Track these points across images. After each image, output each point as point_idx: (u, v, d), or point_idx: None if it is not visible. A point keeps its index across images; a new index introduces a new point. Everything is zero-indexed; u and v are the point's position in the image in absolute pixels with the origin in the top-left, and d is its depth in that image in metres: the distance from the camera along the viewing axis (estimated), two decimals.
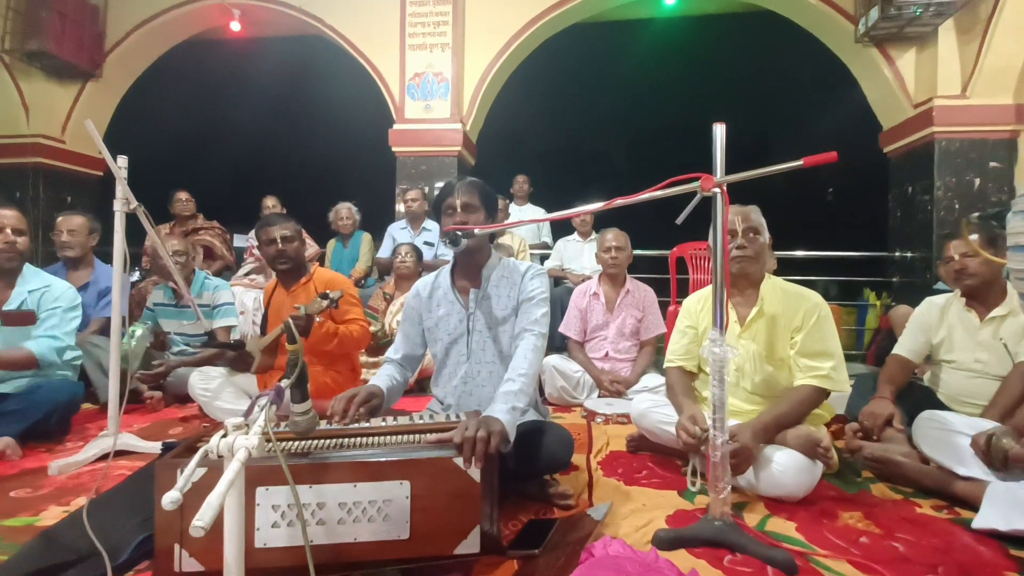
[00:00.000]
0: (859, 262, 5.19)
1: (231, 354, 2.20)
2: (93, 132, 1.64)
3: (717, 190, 1.32)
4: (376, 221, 4.61)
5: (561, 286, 3.99)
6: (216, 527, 0.83)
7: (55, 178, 5.18)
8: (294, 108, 7.85)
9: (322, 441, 1.23)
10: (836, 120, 6.88)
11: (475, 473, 1.11)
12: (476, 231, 1.50)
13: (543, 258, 4.59)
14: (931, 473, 1.64)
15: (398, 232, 4.19)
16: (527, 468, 1.45)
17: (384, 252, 4.16)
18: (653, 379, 2.71)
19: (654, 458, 1.92)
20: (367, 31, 4.95)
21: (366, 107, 5.38)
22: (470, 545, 1.10)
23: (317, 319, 2.18)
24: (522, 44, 4.88)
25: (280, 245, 2.32)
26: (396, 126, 4.88)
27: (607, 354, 2.87)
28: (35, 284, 2.09)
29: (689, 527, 1.34)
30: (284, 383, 1.02)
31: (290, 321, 1.09)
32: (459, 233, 1.49)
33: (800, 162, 1.24)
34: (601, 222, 3.56)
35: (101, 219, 2.83)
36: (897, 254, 4.62)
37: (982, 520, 1.37)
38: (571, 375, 2.74)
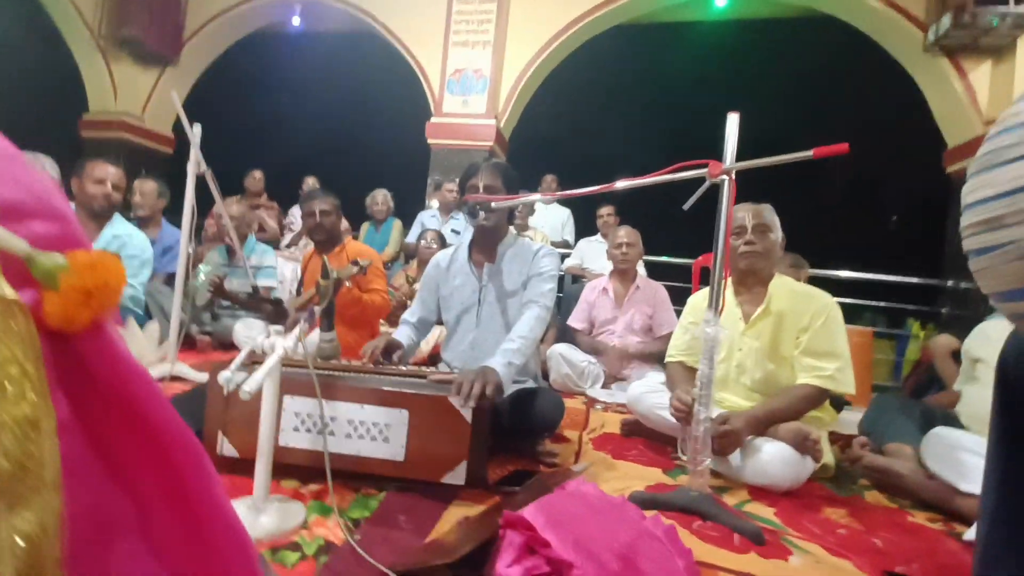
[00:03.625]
0: (907, 288, 4.80)
1: (270, 308, 2.44)
2: (175, 100, 1.89)
3: (725, 177, 1.37)
4: (408, 209, 4.84)
5: (579, 283, 4.09)
6: (251, 424, 1.02)
7: (134, 152, 5.71)
8: (341, 100, 8.28)
9: (342, 374, 1.40)
10: (897, 134, 6.47)
11: (467, 414, 1.25)
12: (493, 205, 1.65)
13: (564, 257, 4.71)
14: (931, 486, 1.59)
15: (428, 219, 4.41)
16: (520, 426, 1.58)
17: (412, 238, 4.39)
18: (659, 376, 2.78)
19: (646, 442, 1.97)
20: (414, 28, 5.20)
21: (407, 101, 5.63)
22: (456, 477, 1.24)
23: (346, 284, 2.39)
24: (563, 44, 4.98)
25: (318, 218, 2.56)
26: (433, 119, 5.09)
27: (614, 346, 2.96)
28: (120, 231, 2.43)
29: (665, 493, 1.41)
30: (317, 309, 1.20)
31: (325, 259, 1.27)
32: (478, 206, 1.65)
33: (810, 153, 1.27)
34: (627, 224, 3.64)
35: (170, 188, 3.19)
36: (950, 283, 4.27)
37: (976, 533, 1.35)
38: (577, 364, 2.83)
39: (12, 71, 5.37)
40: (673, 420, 1.73)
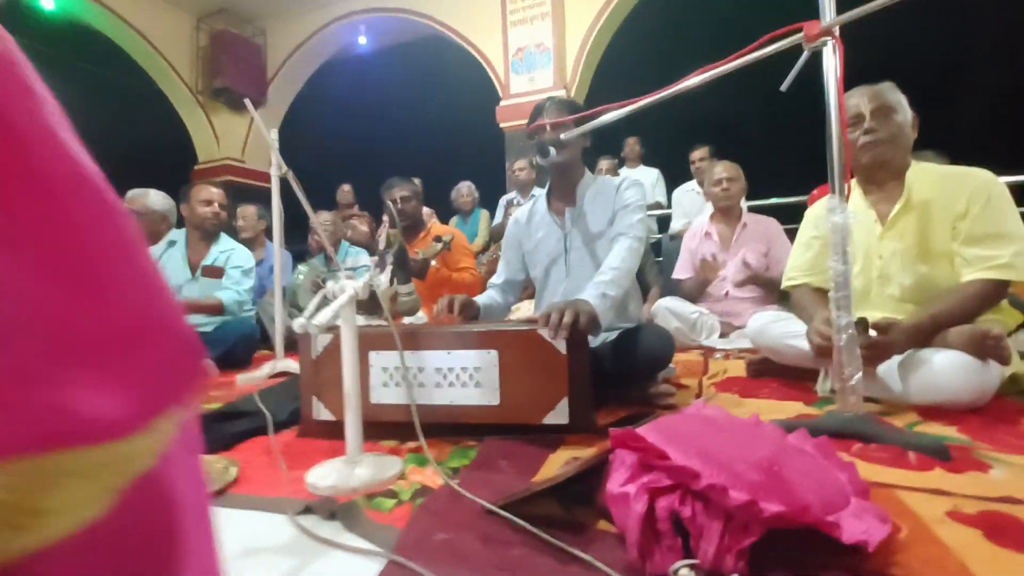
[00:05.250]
0: None
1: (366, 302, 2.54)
2: (251, 109, 2.00)
3: (828, 40, 1.15)
4: (490, 196, 4.87)
5: (677, 242, 3.77)
6: (341, 388, 1.00)
7: (237, 191, 6.33)
8: (416, 106, 8.67)
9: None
10: None
11: (561, 346, 1.14)
12: (563, 137, 1.53)
13: (660, 220, 4.42)
14: None
15: (509, 200, 4.38)
16: (626, 367, 1.44)
17: (497, 220, 4.42)
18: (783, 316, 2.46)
19: (780, 381, 1.70)
20: (472, 19, 5.27)
21: (476, 94, 5.70)
22: (558, 416, 1.14)
23: (433, 263, 2.39)
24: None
25: (400, 205, 2.60)
26: (502, 103, 5.11)
27: (727, 293, 2.67)
28: (225, 246, 2.67)
29: (810, 419, 1.21)
30: (388, 258, 1.16)
31: (390, 204, 1.23)
32: (546, 141, 1.54)
33: None
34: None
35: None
36: None
37: None
38: (687, 316, 2.59)
39: (133, 140, 6.30)
40: (808, 348, 1.47)
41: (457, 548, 0.72)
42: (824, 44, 1.16)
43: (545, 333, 1.13)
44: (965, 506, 0.80)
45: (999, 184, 1.40)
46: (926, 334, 1.33)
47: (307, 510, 0.85)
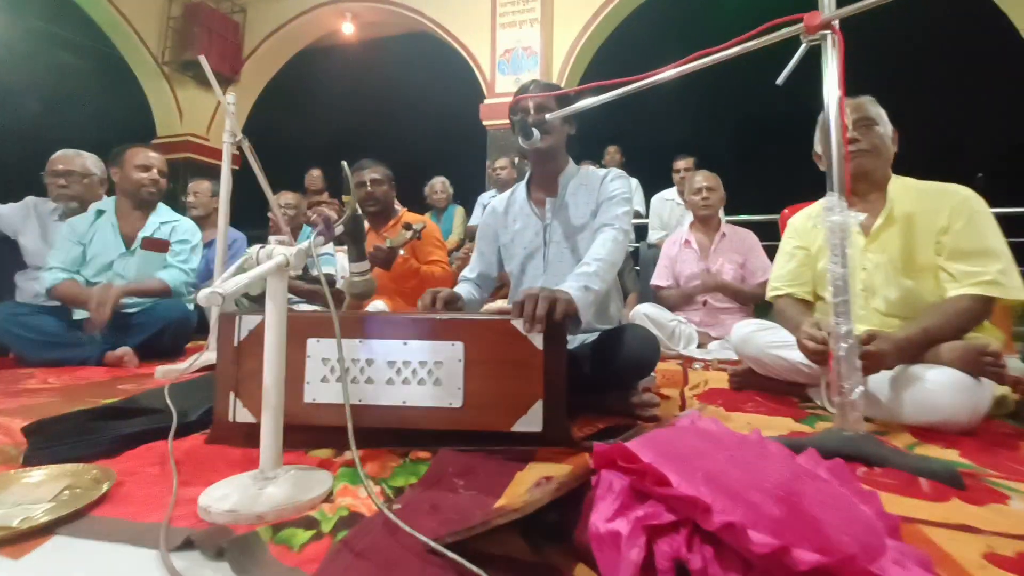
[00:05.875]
0: None
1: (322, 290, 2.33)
2: (205, 66, 1.79)
3: (827, 33, 1.07)
4: (467, 194, 4.73)
5: (655, 250, 3.68)
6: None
7: (200, 170, 5.98)
8: (398, 98, 8.48)
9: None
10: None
11: (537, 340, 0.99)
12: (548, 117, 1.39)
13: (638, 229, 4.32)
14: None
15: (487, 200, 4.24)
16: (607, 372, 1.29)
17: (475, 220, 4.24)
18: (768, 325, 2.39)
19: (764, 395, 1.60)
20: (462, 16, 5.22)
21: (460, 90, 5.62)
22: (531, 422, 0.98)
23: (401, 252, 2.21)
24: (614, 10, 4.77)
25: (369, 187, 2.42)
26: (487, 101, 5.05)
27: (705, 303, 2.59)
28: (166, 218, 2.37)
29: (807, 437, 1.08)
30: (338, 227, 0.98)
31: (345, 166, 1.05)
32: (529, 123, 1.40)
33: None
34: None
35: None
36: None
37: None
38: (665, 324, 2.49)
39: (84, 104, 5.88)
40: (795, 359, 1.42)
41: None
42: (823, 38, 1.08)
43: (519, 325, 0.98)
44: (999, 546, 0.68)
45: (979, 200, 1.39)
46: (918, 348, 1.27)
47: (187, 544, 0.65)
